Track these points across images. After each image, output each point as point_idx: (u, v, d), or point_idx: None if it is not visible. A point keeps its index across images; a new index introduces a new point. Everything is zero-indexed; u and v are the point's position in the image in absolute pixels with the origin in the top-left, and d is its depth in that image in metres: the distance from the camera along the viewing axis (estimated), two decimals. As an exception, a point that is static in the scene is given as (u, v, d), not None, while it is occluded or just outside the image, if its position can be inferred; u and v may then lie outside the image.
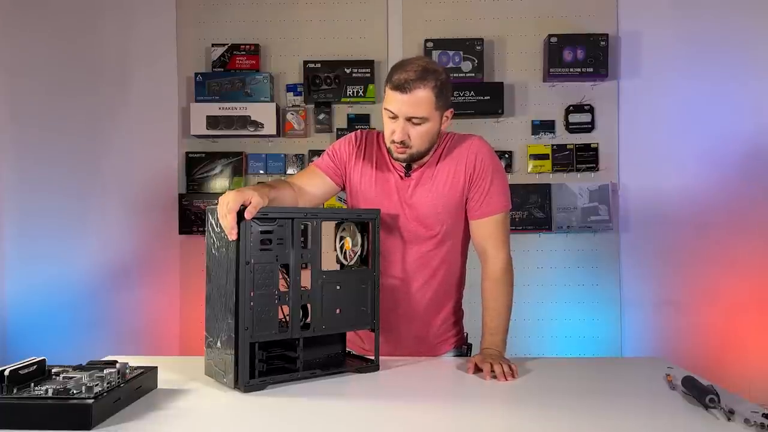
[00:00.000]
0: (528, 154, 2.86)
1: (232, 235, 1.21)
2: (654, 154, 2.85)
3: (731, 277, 2.82)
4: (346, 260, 1.44)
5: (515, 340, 2.90)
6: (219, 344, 1.27)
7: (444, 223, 1.55)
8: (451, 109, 1.51)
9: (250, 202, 1.22)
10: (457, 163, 1.54)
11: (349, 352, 1.49)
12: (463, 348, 1.66)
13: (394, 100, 1.42)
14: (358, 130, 1.65)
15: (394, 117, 1.44)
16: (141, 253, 2.92)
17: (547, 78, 2.85)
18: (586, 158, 2.84)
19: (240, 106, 2.82)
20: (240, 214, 1.22)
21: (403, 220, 1.55)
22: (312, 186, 1.58)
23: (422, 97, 1.41)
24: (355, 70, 2.85)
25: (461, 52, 2.82)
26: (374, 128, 2.87)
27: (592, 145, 2.84)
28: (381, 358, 1.44)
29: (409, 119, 1.43)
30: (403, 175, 1.55)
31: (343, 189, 1.65)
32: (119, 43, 2.94)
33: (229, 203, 1.21)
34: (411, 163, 1.54)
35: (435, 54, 2.81)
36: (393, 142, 1.46)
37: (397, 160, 1.52)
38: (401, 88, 1.40)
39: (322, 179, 1.60)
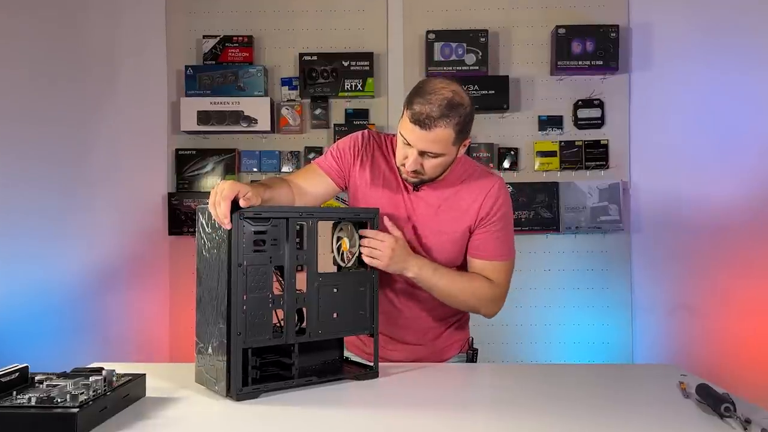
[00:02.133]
0: (535, 151, 2.86)
1: (226, 224, 1.21)
2: (667, 151, 2.85)
3: (748, 281, 2.81)
4: (344, 262, 1.44)
5: (520, 346, 2.92)
6: (210, 350, 1.27)
7: (444, 249, 1.55)
8: (469, 139, 1.49)
9: (245, 196, 1.22)
10: (473, 200, 1.53)
11: (347, 358, 1.50)
12: (468, 352, 1.68)
13: (411, 132, 1.40)
14: (365, 130, 1.65)
15: (409, 145, 1.43)
16: (128, 255, 2.92)
17: (554, 71, 2.85)
18: (595, 155, 2.84)
19: (232, 101, 2.82)
20: (234, 207, 1.22)
21: (408, 229, 1.55)
22: (311, 186, 1.58)
23: (441, 135, 1.39)
24: (354, 63, 2.85)
25: (465, 44, 2.81)
26: (373, 124, 2.87)
27: (601, 142, 2.84)
28: (381, 364, 1.44)
29: (423, 153, 1.42)
30: (411, 187, 1.56)
31: (344, 190, 1.65)
32: (105, 34, 2.93)
33: (224, 190, 1.21)
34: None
35: (437, 46, 2.81)
36: (404, 165, 1.46)
37: (406, 181, 1.53)
38: (421, 123, 1.37)
39: (323, 179, 1.60)
